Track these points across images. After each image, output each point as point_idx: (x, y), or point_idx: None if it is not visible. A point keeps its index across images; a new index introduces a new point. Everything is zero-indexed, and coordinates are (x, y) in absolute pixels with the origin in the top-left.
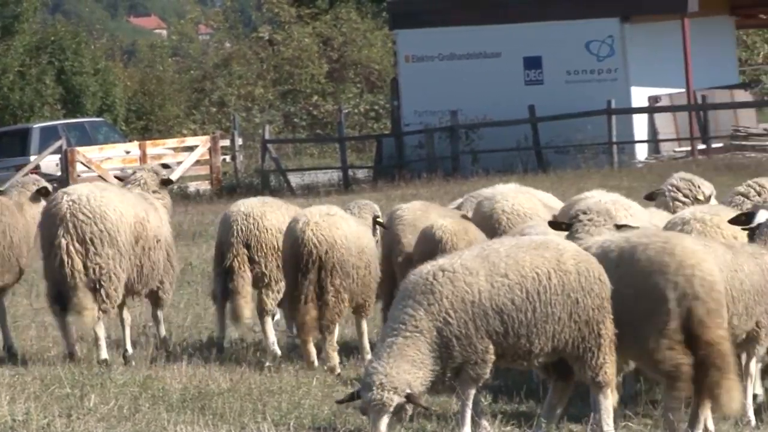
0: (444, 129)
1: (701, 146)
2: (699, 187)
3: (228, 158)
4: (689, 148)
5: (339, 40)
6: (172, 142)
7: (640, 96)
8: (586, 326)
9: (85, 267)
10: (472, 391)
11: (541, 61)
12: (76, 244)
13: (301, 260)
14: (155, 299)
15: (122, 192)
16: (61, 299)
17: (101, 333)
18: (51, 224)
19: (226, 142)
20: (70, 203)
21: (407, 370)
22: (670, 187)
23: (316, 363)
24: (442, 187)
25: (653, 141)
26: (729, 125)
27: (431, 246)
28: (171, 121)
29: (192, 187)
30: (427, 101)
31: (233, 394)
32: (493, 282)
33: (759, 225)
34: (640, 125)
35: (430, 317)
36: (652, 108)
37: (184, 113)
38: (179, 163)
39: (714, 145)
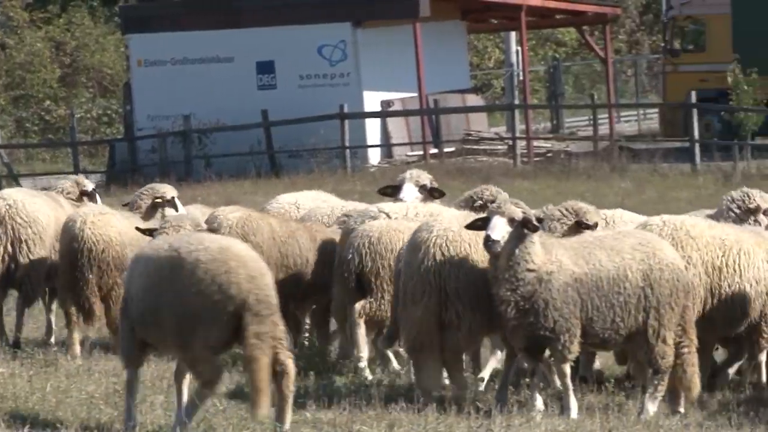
0: (177, 133)
1: (433, 150)
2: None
3: None
4: (422, 152)
5: (72, 44)
6: None
7: (372, 100)
8: None
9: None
10: None
11: (274, 66)
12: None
13: (80, 257)
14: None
15: (47, 198)
16: None
17: None
18: None
19: None
20: (7, 207)
21: None
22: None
23: (78, 355)
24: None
25: (386, 145)
26: (461, 129)
27: None
28: None
29: None
30: (160, 106)
31: None
32: None
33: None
34: (372, 129)
35: None
36: (385, 112)
37: None
38: None
39: (446, 149)
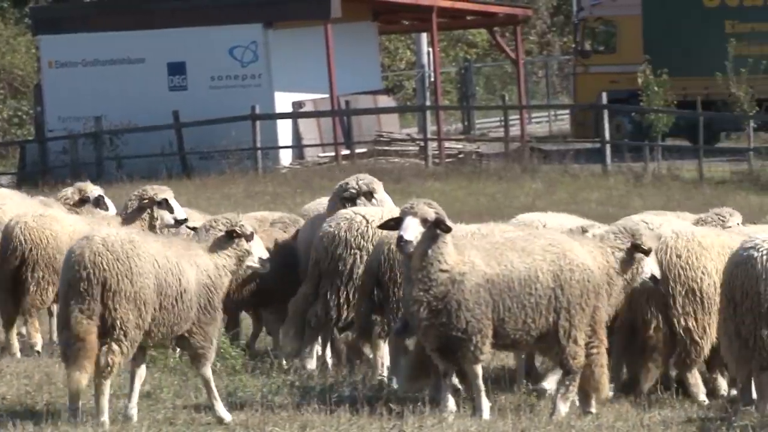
0: (88, 135)
1: (345, 151)
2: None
3: None
4: (333, 154)
5: None
6: None
7: (284, 101)
8: None
9: None
10: None
11: (185, 67)
12: None
13: (10, 257)
14: None
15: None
16: None
17: None
18: None
19: None
20: None
21: None
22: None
23: (18, 354)
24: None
25: (297, 146)
26: (372, 130)
27: None
28: None
29: None
30: (71, 107)
31: None
32: None
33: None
34: (284, 131)
35: None
36: (296, 113)
37: None
38: None
39: (358, 150)
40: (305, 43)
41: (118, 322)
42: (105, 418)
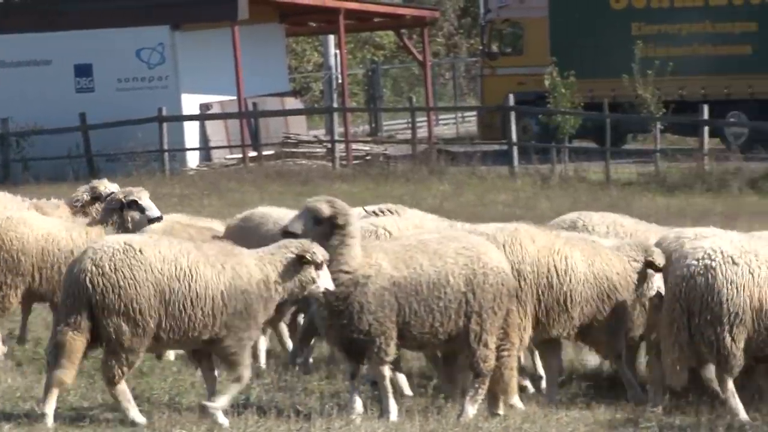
0: None
1: (252, 153)
2: None
3: None
4: (241, 156)
5: None
6: None
7: (191, 103)
8: None
9: None
10: None
11: (92, 69)
12: None
13: None
14: None
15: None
16: None
17: None
18: None
19: None
20: None
21: None
22: None
23: None
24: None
25: (204, 148)
26: (280, 132)
27: None
28: None
29: None
30: None
31: None
32: None
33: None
34: (191, 132)
35: None
36: (204, 115)
37: None
38: None
39: (265, 152)
40: (212, 44)
41: (112, 335)
42: (136, 418)
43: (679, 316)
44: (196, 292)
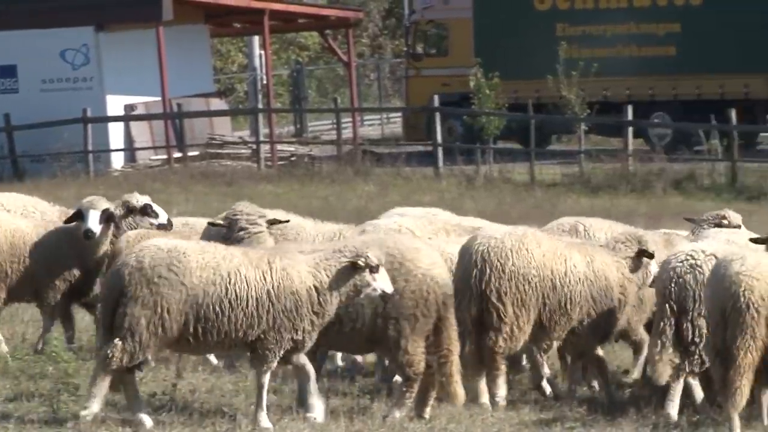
0: None
1: (177, 154)
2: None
3: None
4: (166, 157)
5: None
6: None
7: (115, 104)
8: None
9: None
10: None
11: (16, 70)
12: None
13: None
14: None
15: None
16: None
17: None
18: None
19: None
20: None
21: None
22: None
23: None
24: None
25: (129, 149)
26: (205, 133)
27: None
28: None
29: None
30: None
31: None
32: None
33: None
34: (116, 133)
35: None
36: (128, 116)
37: None
38: None
39: (190, 153)
40: (137, 45)
41: (126, 323)
42: (94, 408)
43: (668, 316)
44: (236, 295)
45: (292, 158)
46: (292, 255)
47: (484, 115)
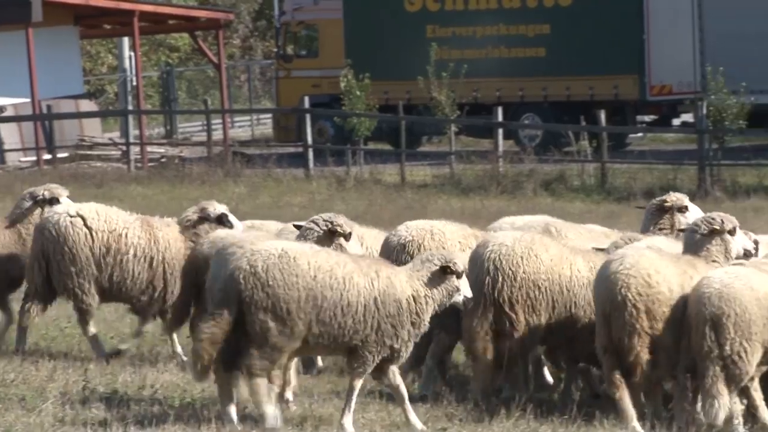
0: None
1: (47, 156)
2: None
3: None
4: (35, 158)
5: None
6: None
7: None
8: None
9: None
10: None
11: None
12: None
13: None
14: None
15: None
16: None
17: None
18: None
19: None
20: None
21: None
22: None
23: None
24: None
25: None
26: (74, 135)
27: None
28: None
29: None
30: None
31: None
32: None
33: None
34: None
35: None
36: None
37: None
38: None
39: (60, 155)
40: (6, 47)
41: (258, 330)
42: (269, 413)
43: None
44: (348, 300)
45: (163, 160)
46: (393, 266)
47: (354, 116)
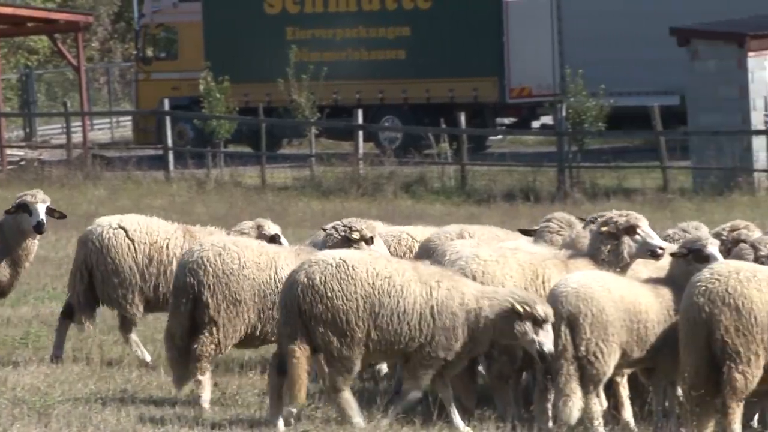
0: None
1: None
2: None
3: None
4: None
5: None
6: None
7: None
8: None
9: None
10: None
11: None
12: None
13: None
14: None
15: None
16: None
17: None
18: None
19: None
20: None
21: None
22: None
23: None
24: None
25: None
26: None
27: None
28: None
29: None
30: None
31: None
32: None
33: None
34: None
35: None
36: None
37: None
38: None
39: None
40: None
41: (321, 344)
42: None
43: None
44: (403, 308)
45: (22, 163)
46: (460, 278)
47: (214, 118)
